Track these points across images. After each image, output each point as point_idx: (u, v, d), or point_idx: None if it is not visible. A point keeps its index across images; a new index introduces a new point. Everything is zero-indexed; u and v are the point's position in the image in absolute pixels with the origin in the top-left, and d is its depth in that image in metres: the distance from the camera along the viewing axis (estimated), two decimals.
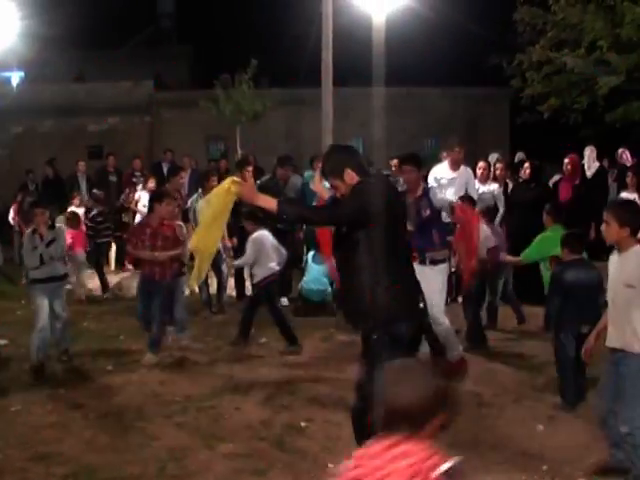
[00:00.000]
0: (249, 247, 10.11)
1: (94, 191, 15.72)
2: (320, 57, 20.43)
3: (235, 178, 5.64)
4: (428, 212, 8.42)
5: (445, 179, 12.48)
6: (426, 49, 29.20)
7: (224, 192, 5.51)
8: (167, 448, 6.56)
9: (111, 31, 37.43)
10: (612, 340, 5.79)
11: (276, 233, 10.59)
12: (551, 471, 6.06)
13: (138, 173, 18.06)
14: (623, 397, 5.66)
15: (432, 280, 8.08)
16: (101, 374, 9.08)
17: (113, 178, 18.24)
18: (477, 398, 7.85)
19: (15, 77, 34.73)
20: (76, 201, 15.50)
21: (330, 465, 6.12)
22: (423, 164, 13.10)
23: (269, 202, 5.42)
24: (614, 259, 5.81)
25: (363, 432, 5.67)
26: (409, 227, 7.23)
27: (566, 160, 13.59)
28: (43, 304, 9.08)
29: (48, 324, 9.07)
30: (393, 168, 14.04)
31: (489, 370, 8.90)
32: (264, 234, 10.14)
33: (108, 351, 10.17)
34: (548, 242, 9.08)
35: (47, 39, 32.38)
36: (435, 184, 12.60)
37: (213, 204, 5.66)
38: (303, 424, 7.13)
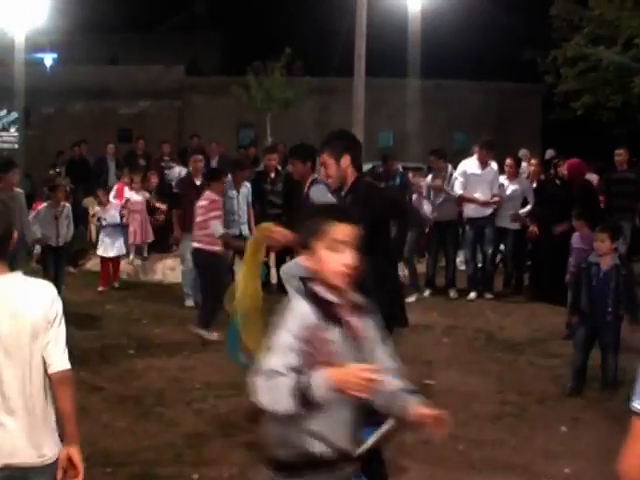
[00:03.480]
0: None
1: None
2: (353, 47, 20.27)
3: (266, 227, 5.82)
4: None
5: (474, 175, 12.46)
6: (459, 41, 28.88)
7: (252, 255, 5.71)
8: (185, 435, 6.51)
9: (145, 15, 37.40)
10: None
11: None
12: (573, 475, 5.94)
13: (167, 158, 18.04)
14: None
15: None
16: (123, 357, 9.05)
17: (142, 162, 18.17)
18: (500, 396, 7.75)
19: (48, 59, 34.78)
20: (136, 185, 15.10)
21: None
22: (452, 158, 13.29)
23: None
24: None
25: None
26: None
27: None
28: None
29: None
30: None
31: (513, 369, 8.79)
32: None
33: (131, 335, 10.15)
34: None
35: (81, 21, 32.46)
36: (461, 178, 12.60)
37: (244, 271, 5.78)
38: None
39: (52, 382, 3.44)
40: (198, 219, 10.02)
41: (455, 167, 13.09)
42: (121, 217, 13.76)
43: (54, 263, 11.60)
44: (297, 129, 26.75)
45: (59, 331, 3.50)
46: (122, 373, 8.42)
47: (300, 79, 24.84)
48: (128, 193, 14.26)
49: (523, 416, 7.23)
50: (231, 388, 7.75)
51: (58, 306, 3.50)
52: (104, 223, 13.56)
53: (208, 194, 10.10)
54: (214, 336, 9.39)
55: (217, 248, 10.04)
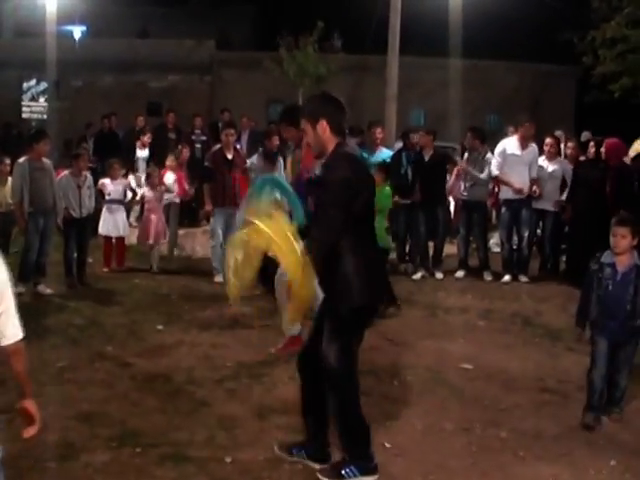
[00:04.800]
0: None
1: None
2: (385, 23, 20.07)
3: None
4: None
5: (514, 156, 12.24)
6: (494, 21, 28.48)
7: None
8: (217, 416, 6.27)
9: None
10: None
11: None
12: (620, 465, 5.68)
13: (198, 131, 17.89)
14: None
15: None
16: (151, 333, 8.86)
17: (172, 135, 17.98)
18: (540, 383, 7.51)
19: (77, 31, 34.77)
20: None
21: (387, 444, 5.84)
22: (485, 139, 13.04)
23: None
24: None
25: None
26: None
27: None
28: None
29: None
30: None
31: (553, 355, 8.53)
32: None
33: (159, 310, 9.95)
34: None
35: None
36: (499, 158, 12.40)
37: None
38: None
39: (6, 352, 3.55)
40: None
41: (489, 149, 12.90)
42: (125, 195, 12.91)
43: (77, 235, 11.35)
44: None
45: (10, 302, 3.51)
46: (151, 349, 8.21)
47: (334, 55, 24.57)
48: (145, 189, 13.15)
49: (564, 404, 6.95)
50: (264, 367, 7.56)
51: (4, 276, 3.50)
52: (107, 198, 12.68)
53: None
54: None
55: None
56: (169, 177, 13.54)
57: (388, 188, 10.61)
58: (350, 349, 5.16)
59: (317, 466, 5.36)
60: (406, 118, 26.90)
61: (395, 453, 5.74)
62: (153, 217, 12.68)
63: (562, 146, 13.84)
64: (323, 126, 5.13)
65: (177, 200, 13.80)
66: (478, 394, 7.14)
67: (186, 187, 13.83)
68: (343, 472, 5.18)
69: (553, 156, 12.66)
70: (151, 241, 12.63)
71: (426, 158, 12.66)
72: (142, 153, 17.23)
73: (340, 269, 5.04)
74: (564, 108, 30.51)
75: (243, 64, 29.67)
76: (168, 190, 13.32)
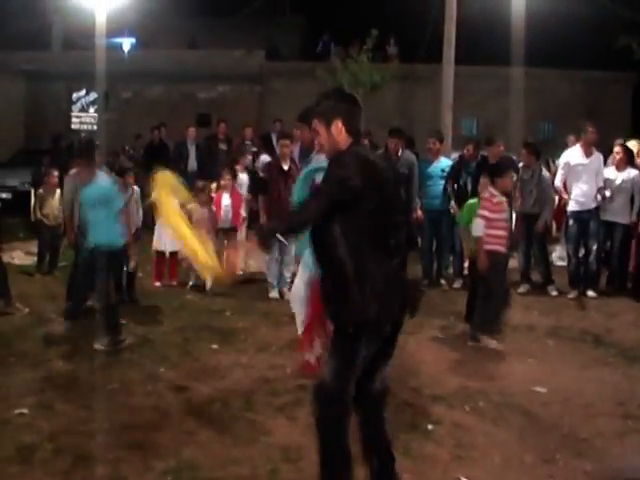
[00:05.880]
0: None
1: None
2: (437, 32, 19.82)
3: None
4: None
5: (580, 165, 11.81)
6: (547, 28, 27.96)
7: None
8: (279, 446, 5.83)
9: None
10: None
11: None
12: None
13: (249, 142, 17.60)
14: None
15: None
16: (205, 353, 8.47)
17: (223, 146, 17.73)
18: (620, 409, 6.99)
19: (126, 43, 34.91)
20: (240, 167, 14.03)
21: (462, 478, 5.38)
22: (540, 154, 12.66)
23: (255, 245, 4.56)
24: None
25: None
26: None
27: None
28: None
29: None
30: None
31: (630, 377, 8.00)
32: None
33: (213, 328, 9.57)
34: None
35: (160, 6, 32.51)
36: (563, 171, 12.08)
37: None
38: (430, 427, 6.35)
39: None
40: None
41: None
42: None
43: (125, 250, 10.96)
44: (380, 115, 26.16)
45: None
46: (205, 370, 7.82)
47: (387, 64, 24.18)
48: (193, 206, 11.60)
49: None
50: None
51: None
52: None
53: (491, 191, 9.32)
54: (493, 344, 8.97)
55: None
56: (225, 201, 12.57)
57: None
58: (347, 370, 4.58)
59: None
60: (458, 127, 26.51)
61: None
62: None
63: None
64: (338, 127, 4.66)
65: (231, 226, 12.60)
66: (555, 421, 6.67)
67: (243, 214, 12.85)
68: None
69: (623, 166, 12.08)
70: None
71: None
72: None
73: (338, 282, 4.53)
74: (620, 116, 29.81)
75: (293, 74, 29.45)
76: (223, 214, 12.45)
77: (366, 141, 17.71)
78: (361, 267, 4.49)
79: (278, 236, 4.52)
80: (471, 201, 10.23)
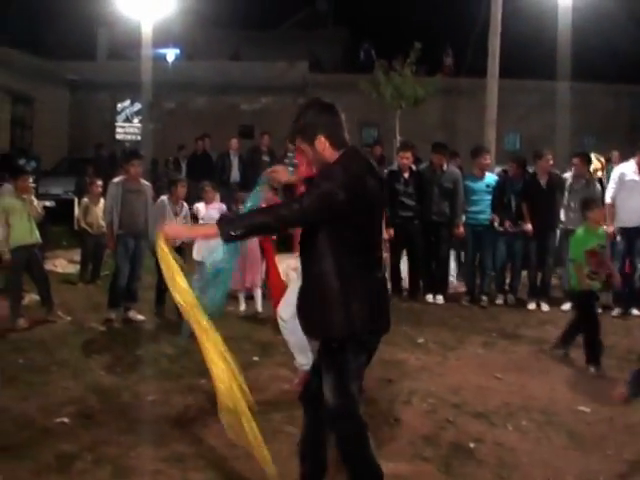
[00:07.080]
0: None
1: None
2: (481, 46, 19.73)
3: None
4: None
5: (633, 181, 11.60)
6: (591, 42, 27.78)
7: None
8: None
9: (268, 12, 37.49)
10: None
11: None
12: None
13: (291, 154, 17.54)
14: None
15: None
16: (246, 365, 8.33)
17: (266, 158, 17.73)
18: None
19: (170, 54, 35.16)
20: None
21: None
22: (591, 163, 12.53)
23: (206, 229, 4.62)
24: None
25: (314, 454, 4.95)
26: None
27: None
28: None
29: None
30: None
31: None
32: None
33: (253, 339, 9.58)
34: None
35: (204, 18, 32.75)
36: (614, 184, 11.89)
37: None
38: (472, 445, 6.25)
39: None
40: None
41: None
42: None
43: None
44: (423, 129, 26.11)
45: None
46: (247, 383, 7.77)
47: (428, 78, 24.05)
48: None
49: None
50: (367, 406, 7.07)
51: None
52: (201, 222, 11.33)
53: None
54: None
55: None
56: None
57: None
58: (344, 385, 4.51)
59: None
60: (501, 142, 26.38)
61: None
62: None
63: None
64: (322, 142, 4.52)
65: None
66: (599, 441, 6.52)
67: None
68: None
69: None
70: (248, 285, 11.43)
71: (542, 183, 12.12)
72: None
73: (322, 296, 4.45)
74: None
75: (336, 86, 29.39)
76: None
77: (378, 151, 17.74)
78: (346, 281, 4.42)
79: (232, 232, 4.36)
80: (579, 232, 9.35)
